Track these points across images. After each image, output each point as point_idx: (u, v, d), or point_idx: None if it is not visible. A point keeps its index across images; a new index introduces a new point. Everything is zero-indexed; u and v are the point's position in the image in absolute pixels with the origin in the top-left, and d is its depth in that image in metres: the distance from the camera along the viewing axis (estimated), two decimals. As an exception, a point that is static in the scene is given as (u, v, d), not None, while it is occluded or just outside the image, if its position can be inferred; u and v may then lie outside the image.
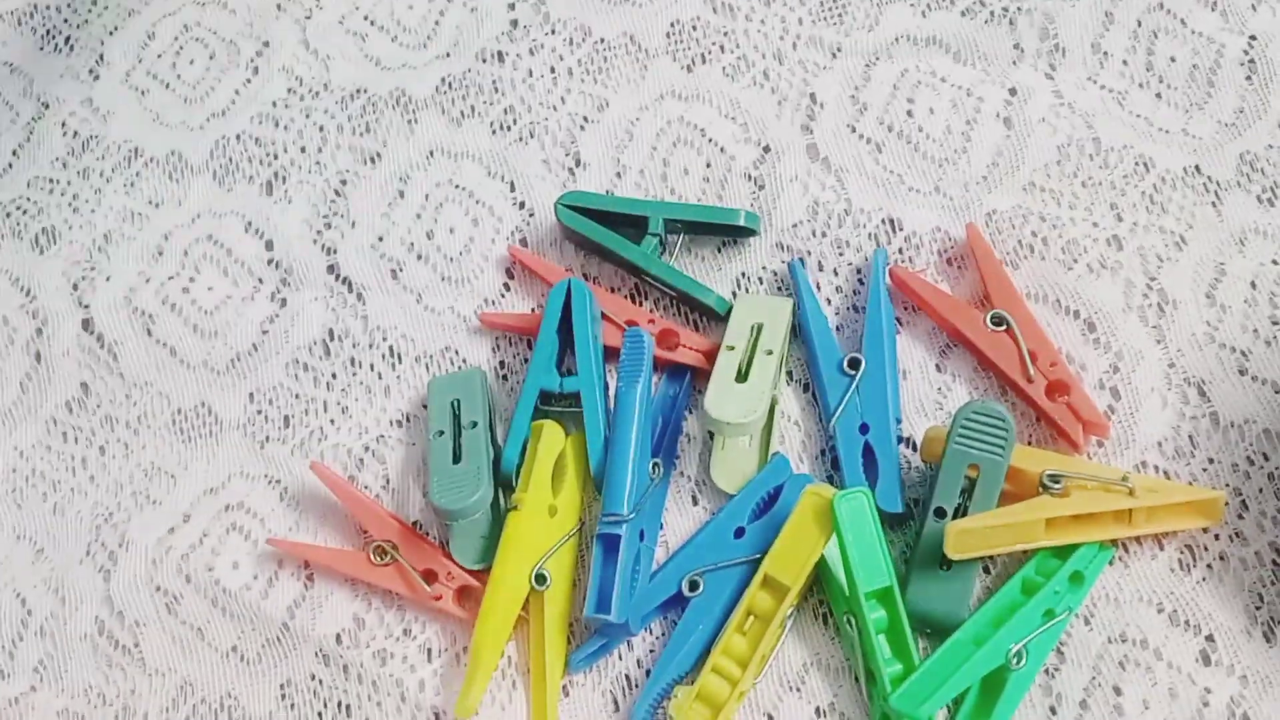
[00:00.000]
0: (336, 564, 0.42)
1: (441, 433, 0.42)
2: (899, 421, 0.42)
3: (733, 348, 0.42)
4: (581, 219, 0.45)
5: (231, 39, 0.53)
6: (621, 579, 0.39)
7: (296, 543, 0.43)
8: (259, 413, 0.46)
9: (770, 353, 0.42)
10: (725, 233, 0.45)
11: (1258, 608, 0.38)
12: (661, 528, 0.42)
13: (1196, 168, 0.45)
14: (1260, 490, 0.40)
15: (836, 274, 0.45)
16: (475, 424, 0.42)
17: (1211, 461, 0.41)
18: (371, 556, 0.42)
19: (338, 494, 0.43)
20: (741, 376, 0.41)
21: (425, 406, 0.44)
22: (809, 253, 0.45)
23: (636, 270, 0.45)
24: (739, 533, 0.41)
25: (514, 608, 0.40)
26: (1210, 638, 0.38)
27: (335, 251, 0.48)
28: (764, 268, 0.45)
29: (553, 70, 0.50)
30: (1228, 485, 0.40)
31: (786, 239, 0.46)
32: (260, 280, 0.48)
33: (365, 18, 0.52)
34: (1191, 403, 0.41)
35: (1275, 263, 0.43)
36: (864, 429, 0.42)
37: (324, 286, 0.47)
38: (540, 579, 0.40)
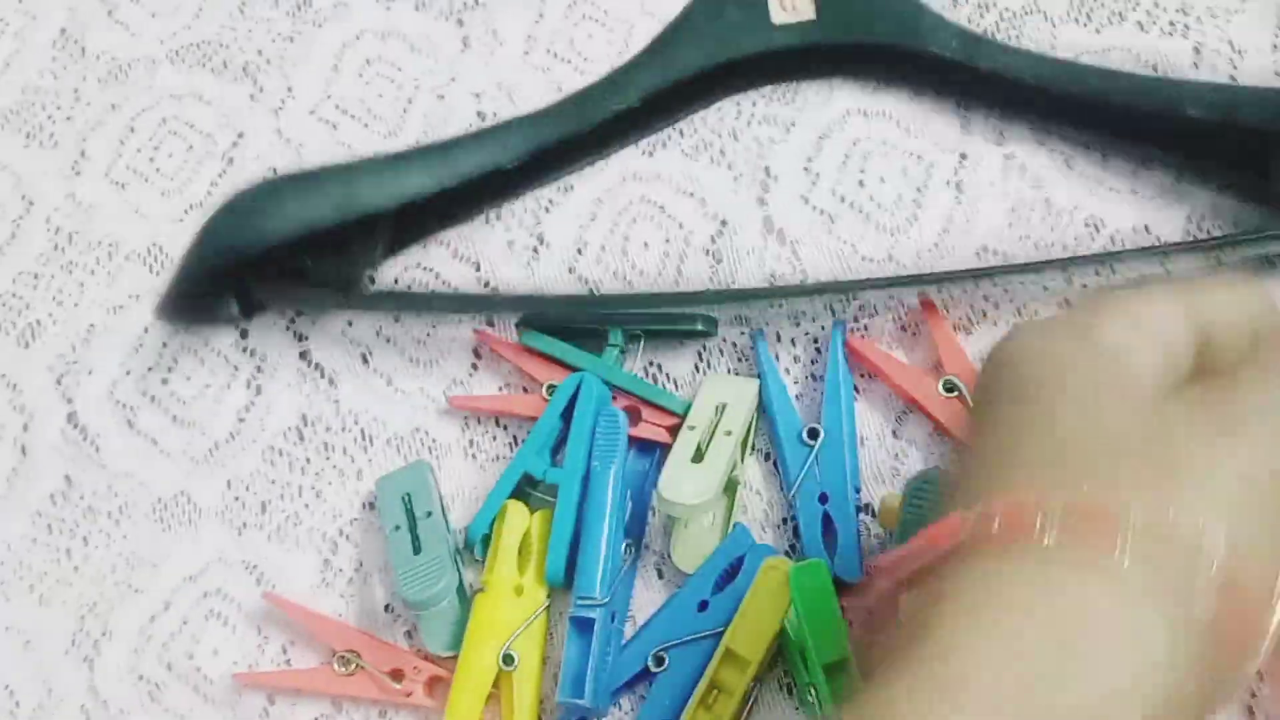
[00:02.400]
0: (305, 685, 0.43)
1: (398, 527, 0.43)
2: (858, 490, 0.43)
3: (694, 427, 0.43)
4: (544, 339, 0.46)
5: (208, 131, 0.55)
6: (595, 663, 0.40)
7: (260, 674, 0.44)
8: (236, 499, 0.47)
9: (729, 433, 0.42)
10: (684, 335, 0.46)
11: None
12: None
13: (1146, 227, 0.46)
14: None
15: (794, 344, 0.46)
16: (430, 514, 0.43)
17: (1166, 520, 0.41)
18: (336, 667, 0.42)
19: (295, 617, 0.44)
20: (698, 457, 0.42)
21: (374, 506, 0.46)
22: (767, 323, 0.46)
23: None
24: (702, 606, 0.42)
25: (483, 689, 0.41)
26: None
27: (307, 339, 0.49)
28: (724, 339, 0.46)
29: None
30: (1183, 543, 0.41)
31: (744, 310, 0.47)
32: (236, 369, 0.49)
33: (336, 106, 0.54)
34: (1145, 462, 0.42)
35: (1224, 319, 0.44)
36: (823, 499, 0.43)
37: (296, 373, 0.49)
38: (508, 659, 0.41)
